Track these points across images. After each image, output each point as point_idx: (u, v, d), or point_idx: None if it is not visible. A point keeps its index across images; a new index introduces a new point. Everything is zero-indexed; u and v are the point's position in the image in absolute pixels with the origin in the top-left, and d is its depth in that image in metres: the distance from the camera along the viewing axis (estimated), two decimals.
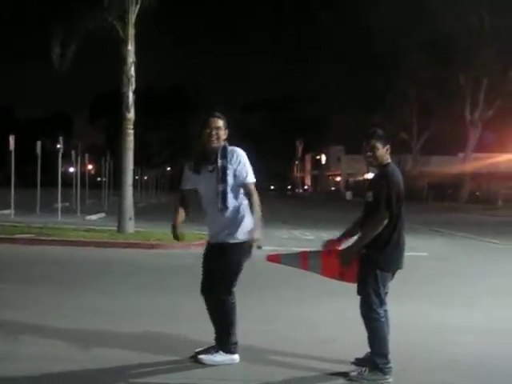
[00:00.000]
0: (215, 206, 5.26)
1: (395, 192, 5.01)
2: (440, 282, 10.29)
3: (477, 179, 52.05)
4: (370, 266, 4.99)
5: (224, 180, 5.23)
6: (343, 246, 5.40)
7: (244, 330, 5.48)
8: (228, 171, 5.25)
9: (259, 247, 5.18)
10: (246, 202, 5.32)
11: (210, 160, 5.30)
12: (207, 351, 5.34)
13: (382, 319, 5.02)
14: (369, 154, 5.18)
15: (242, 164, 5.31)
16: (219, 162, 5.25)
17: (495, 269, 12.46)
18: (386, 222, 4.95)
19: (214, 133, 5.27)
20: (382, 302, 5.03)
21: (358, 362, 5.22)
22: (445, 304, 8.35)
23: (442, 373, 5.33)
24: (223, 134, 5.34)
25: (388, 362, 4.97)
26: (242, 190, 5.31)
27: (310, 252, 5.55)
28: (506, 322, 7.33)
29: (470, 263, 13.38)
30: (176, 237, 5.54)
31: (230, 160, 5.27)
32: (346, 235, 5.47)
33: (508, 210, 38.00)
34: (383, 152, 5.17)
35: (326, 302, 8.17)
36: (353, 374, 5.01)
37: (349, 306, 7.78)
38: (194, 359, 5.29)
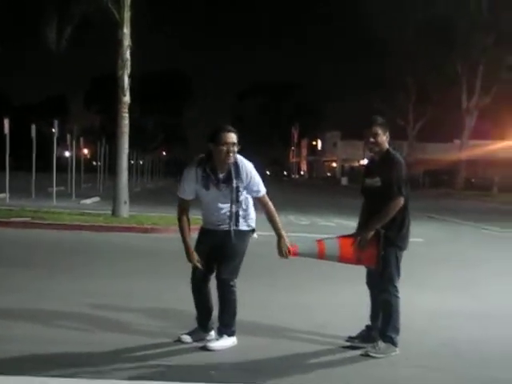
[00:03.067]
0: (224, 222, 5.33)
1: (404, 174, 5.33)
2: (435, 268, 10.31)
3: (473, 166, 52.12)
4: (390, 246, 5.29)
5: (238, 201, 5.30)
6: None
7: (237, 314, 5.48)
8: (240, 189, 5.31)
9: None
10: (249, 198, 5.41)
11: (222, 178, 5.26)
12: (195, 334, 5.47)
13: (399, 295, 5.39)
14: (372, 140, 5.42)
15: (252, 179, 5.36)
16: (234, 182, 5.25)
17: (490, 254, 12.51)
18: (401, 204, 5.24)
19: (231, 149, 5.19)
20: (399, 277, 5.40)
21: (352, 339, 5.55)
22: (439, 289, 8.39)
23: (436, 357, 5.35)
24: (236, 149, 5.27)
25: (398, 336, 5.34)
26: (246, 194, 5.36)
27: (327, 239, 5.54)
28: (500, 307, 7.37)
29: (464, 249, 13.42)
30: (194, 261, 5.33)
31: (242, 178, 5.29)
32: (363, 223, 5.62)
33: (503, 196, 38.09)
34: (384, 138, 5.46)
35: (318, 287, 8.21)
36: (368, 348, 5.29)
37: (341, 290, 7.89)
38: (203, 347, 5.29)
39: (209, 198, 5.34)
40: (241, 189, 5.29)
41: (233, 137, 5.22)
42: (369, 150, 5.55)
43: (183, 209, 5.42)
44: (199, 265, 5.32)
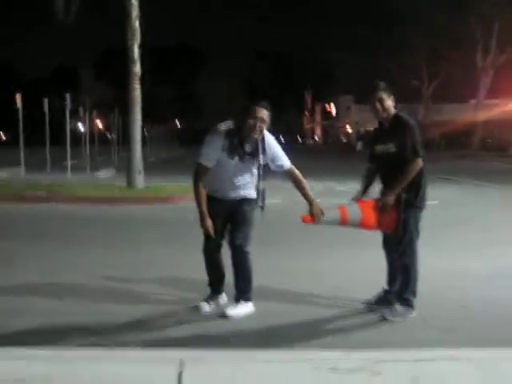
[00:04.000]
0: (237, 191, 5.40)
1: (418, 136, 5.29)
2: (451, 231, 10.27)
3: (489, 126, 51.52)
4: (410, 208, 5.32)
5: (264, 178, 5.39)
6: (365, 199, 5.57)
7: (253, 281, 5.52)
8: (265, 165, 5.39)
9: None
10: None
11: (248, 151, 5.29)
12: (212, 300, 5.55)
13: (418, 258, 5.42)
14: (378, 106, 5.37)
15: (276, 154, 5.43)
16: (261, 158, 5.30)
17: (507, 216, 12.41)
18: (420, 166, 5.25)
19: (258, 125, 5.20)
20: (418, 240, 5.42)
21: (369, 303, 5.60)
22: (455, 252, 8.38)
23: (452, 319, 5.37)
24: (266, 126, 5.27)
25: (415, 299, 5.38)
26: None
27: (348, 205, 5.52)
28: None
29: (481, 211, 13.34)
30: (208, 228, 5.32)
31: (267, 153, 5.35)
32: (365, 191, 5.69)
33: None
34: (390, 103, 5.41)
35: (333, 252, 8.22)
36: (385, 312, 5.33)
37: (357, 255, 7.90)
38: (221, 314, 5.34)
39: (229, 168, 5.31)
40: (266, 164, 5.37)
41: (264, 113, 5.23)
42: (376, 116, 5.50)
43: (202, 175, 5.34)
44: (212, 232, 5.33)
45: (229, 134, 5.26)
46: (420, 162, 5.25)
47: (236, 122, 5.32)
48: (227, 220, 5.45)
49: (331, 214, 5.47)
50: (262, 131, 5.26)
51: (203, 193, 5.35)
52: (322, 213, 5.37)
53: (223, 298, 5.63)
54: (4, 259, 7.60)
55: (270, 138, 5.41)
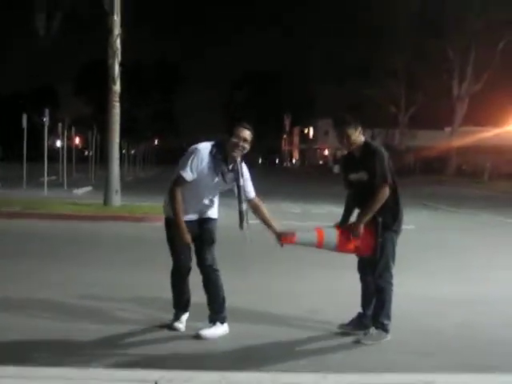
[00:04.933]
0: (206, 211, 5.47)
1: (387, 163, 5.32)
2: (426, 255, 10.35)
3: (464, 153, 52.20)
4: (387, 231, 5.37)
5: (243, 201, 5.41)
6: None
7: (229, 302, 5.50)
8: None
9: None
10: None
11: (229, 170, 5.34)
12: (181, 318, 5.58)
13: (393, 282, 5.46)
14: (345, 141, 5.47)
15: (248, 181, 5.51)
16: (241, 180, 5.37)
17: (481, 241, 12.56)
18: (388, 193, 5.28)
19: (240, 144, 5.29)
20: (394, 264, 5.47)
21: (343, 327, 5.60)
22: (430, 276, 8.44)
23: (427, 343, 5.40)
24: (248, 147, 5.34)
25: (390, 323, 5.41)
26: None
27: (326, 228, 5.54)
28: (490, 293, 7.41)
29: (455, 236, 13.47)
30: (187, 240, 5.32)
31: (244, 177, 5.43)
32: (347, 216, 5.71)
33: (494, 183, 38.23)
34: (357, 135, 5.47)
35: (310, 274, 8.24)
36: (360, 336, 5.38)
37: (333, 277, 7.92)
38: (196, 335, 5.30)
39: (208, 186, 5.33)
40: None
41: (248, 134, 5.31)
42: (345, 149, 5.62)
43: (180, 187, 5.28)
44: (191, 244, 5.38)
45: (212, 151, 5.29)
46: (387, 190, 5.27)
47: (219, 140, 5.37)
48: (196, 241, 5.45)
49: (308, 236, 5.49)
50: (243, 151, 5.31)
51: (182, 206, 5.30)
52: (285, 239, 5.35)
53: (186, 316, 5.66)
54: None
55: (244, 165, 5.49)
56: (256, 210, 5.51)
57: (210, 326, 5.39)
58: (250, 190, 5.52)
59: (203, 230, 5.45)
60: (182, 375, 4.07)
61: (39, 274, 7.80)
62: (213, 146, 5.31)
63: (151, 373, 4.07)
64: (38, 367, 4.21)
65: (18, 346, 4.95)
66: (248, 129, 5.31)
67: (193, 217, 5.43)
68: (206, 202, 5.43)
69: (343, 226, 5.55)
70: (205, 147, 5.30)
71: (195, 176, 5.25)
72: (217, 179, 5.31)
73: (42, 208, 14.95)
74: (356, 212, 5.60)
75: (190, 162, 5.24)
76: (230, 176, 5.34)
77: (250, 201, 5.50)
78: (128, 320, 5.82)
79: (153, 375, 3.96)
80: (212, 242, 5.46)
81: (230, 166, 5.34)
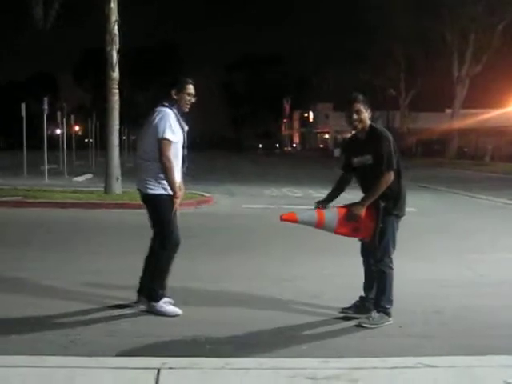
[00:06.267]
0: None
1: (393, 147, 5.34)
2: (427, 238, 10.36)
3: (465, 135, 52.09)
4: (388, 216, 5.38)
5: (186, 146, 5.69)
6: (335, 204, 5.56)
7: (229, 287, 5.51)
8: None
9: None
10: None
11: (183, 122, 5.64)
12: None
13: (393, 266, 5.48)
14: (355, 117, 5.42)
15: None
16: (185, 127, 5.64)
17: (482, 224, 12.57)
18: (392, 179, 5.31)
19: (189, 99, 5.64)
20: (394, 249, 5.47)
21: (345, 311, 5.64)
22: (431, 259, 8.45)
23: (428, 326, 5.42)
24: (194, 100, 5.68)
25: (391, 306, 5.44)
26: None
27: (326, 208, 5.53)
28: (491, 276, 7.43)
29: (457, 218, 13.47)
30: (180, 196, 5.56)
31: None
32: (332, 195, 5.68)
33: (495, 165, 38.17)
34: (366, 115, 5.46)
35: (311, 259, 8.24)
36: (362, 319, 5.38)
37: (334, 262, 7.93)
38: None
39: (181, 144, 5.57)
40: None
41: (192, 88, 5.65)
42: (352, 127, 5.54)
43: (169, 149, 5.43)
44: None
45: (173, 110, 5.54)
46: (391, 175, 5.30)
47: (170, 100, 5.58)
48: None
49: (308, 215, 5.49)
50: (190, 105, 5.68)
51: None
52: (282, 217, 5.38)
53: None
54: None
55: None
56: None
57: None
58: None
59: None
60: (184, 362, 4.08)
61: (41, 263, 7.80)
62: (171, 107, 5.55)
63: (153, 360, 4.07)
64: (42, 356, 4.22)
65: (24, 338, 4.96)
66: (192, 83, 5.65)
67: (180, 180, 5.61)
68: (183, 166, 5.64)
69: (342, 207, 5.50)
70: (167, 109, 5.54)
71: (176, 136, 5.47)
72: (183, 134, 5.58)
73: (42, 196, 14.95)
74: (348, 195, 5.65)
75: (167, 124, 5.43)
76: (185, 128, 5.65)
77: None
78: (129, 307, 5.81)
79: (155, 362, 3.97)
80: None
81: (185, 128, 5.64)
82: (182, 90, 5.60)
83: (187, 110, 5.66)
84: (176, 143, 5.48)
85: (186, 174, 5.76)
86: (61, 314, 5.56)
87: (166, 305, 5.57)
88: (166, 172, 5.39)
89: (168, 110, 5.50)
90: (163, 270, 5.60)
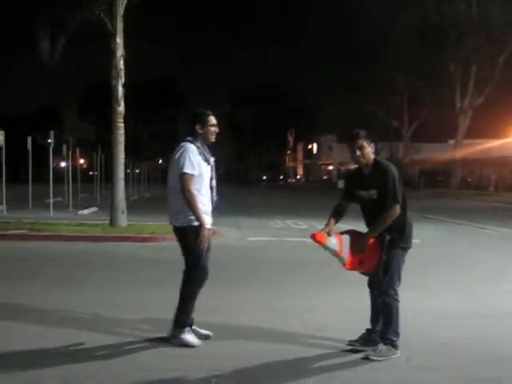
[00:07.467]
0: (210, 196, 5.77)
1: (398, 183, 5.37)
2: (434, 269, 10.34)
3: (468, 165, 52.22)
4: (393, 248, 5.40)
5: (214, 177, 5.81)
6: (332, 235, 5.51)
7: (236, 320, 5.51)
8: None
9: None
10: None
11: (208, 154, 5.72)
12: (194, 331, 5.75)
13: (399, 298, 5.47)
14: (358, 153, 5.48)
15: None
16: (211, 159, 5.73)
17: (488, 255, 12.52)
18: (398, 212, 5.33)
19: (214, 129, 5.76)
20: (400, 282, 5.47)
21: (353, 344, 5.60)
22: (437, 290, 8.43)
23: (436, 358, 5.38)
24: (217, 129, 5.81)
25: (398, 339, 5.43)
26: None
27: (344, 238, 5.50)
28: (498, 307, 7.39)
29: (462, 249, 13.44)
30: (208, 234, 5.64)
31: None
32: (329, 224, 5.64)
33: (500, 195, 38.15)
34: (370, 150, 5.52)
35: (319, 291, 8.23)
36: (369, 352, 5.37)
37: (341, 294, 7.92)
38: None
39: (207, 176, 5.66)
40: None
41: (214, 119, 5.79)
42: (356, 163, 5.61)
43: (191, 184, 5.52)
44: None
45: (194, 143, 5.65)
46: (397, 209, 5.33)
47: (191, 135, 5.70)
48: None
49: (333, 243, 5.46)
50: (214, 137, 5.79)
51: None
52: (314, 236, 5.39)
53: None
54: None
55: None
56: None
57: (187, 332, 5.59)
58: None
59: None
60: None
61: (46, 297, 7.80)
62: (193, 141, 5.66)
63: None
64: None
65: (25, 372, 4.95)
66: (212, 114, 5.77)
67: (209, 212, 5.72)
68: (213, 197, 5.74)
69: (353, 235, 5.49)
70: (188, 143, 5.64)
71: (197, 170, 5.54)
72: (208, 166, 5.66)
73: (48, 230, 14.99)
74: (340, 225, 5.67)
75: (187, 159, 5.53)
76: (212, 161, 5.74)
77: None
78: (138, 341, 5.80)
79: None
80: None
81: (211, 162, 5.74)
82: (205, 123, 5.74)
83: (214, 140, 5.79)
84: (199, 176, 5.56)
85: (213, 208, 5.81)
86: (63, 347, 5.56)
87: (187, 333, 5.62)
88: (188, 204, 5.51)
89: (189, 145, 5.61)
90: (187, 298, 5.67)
